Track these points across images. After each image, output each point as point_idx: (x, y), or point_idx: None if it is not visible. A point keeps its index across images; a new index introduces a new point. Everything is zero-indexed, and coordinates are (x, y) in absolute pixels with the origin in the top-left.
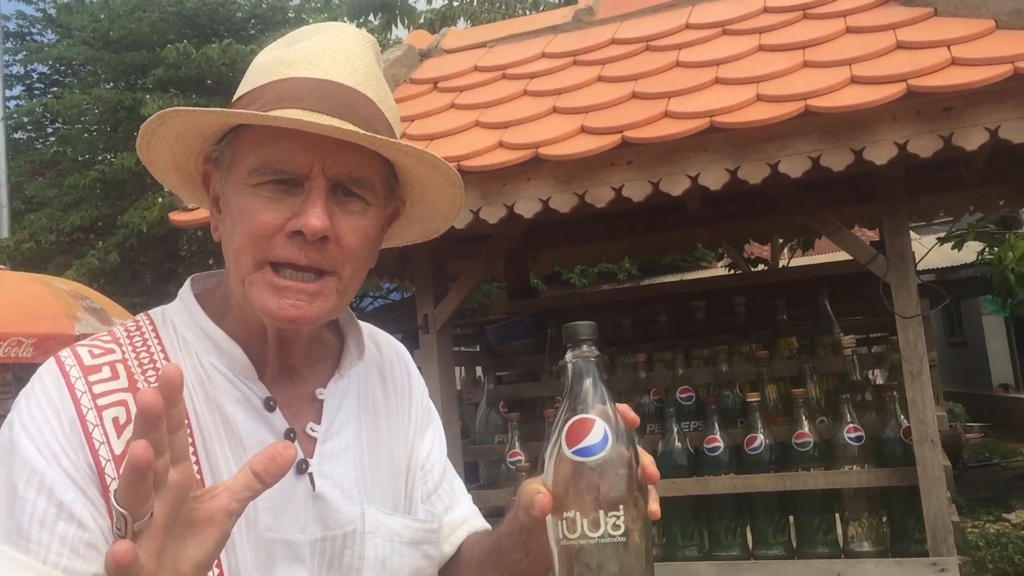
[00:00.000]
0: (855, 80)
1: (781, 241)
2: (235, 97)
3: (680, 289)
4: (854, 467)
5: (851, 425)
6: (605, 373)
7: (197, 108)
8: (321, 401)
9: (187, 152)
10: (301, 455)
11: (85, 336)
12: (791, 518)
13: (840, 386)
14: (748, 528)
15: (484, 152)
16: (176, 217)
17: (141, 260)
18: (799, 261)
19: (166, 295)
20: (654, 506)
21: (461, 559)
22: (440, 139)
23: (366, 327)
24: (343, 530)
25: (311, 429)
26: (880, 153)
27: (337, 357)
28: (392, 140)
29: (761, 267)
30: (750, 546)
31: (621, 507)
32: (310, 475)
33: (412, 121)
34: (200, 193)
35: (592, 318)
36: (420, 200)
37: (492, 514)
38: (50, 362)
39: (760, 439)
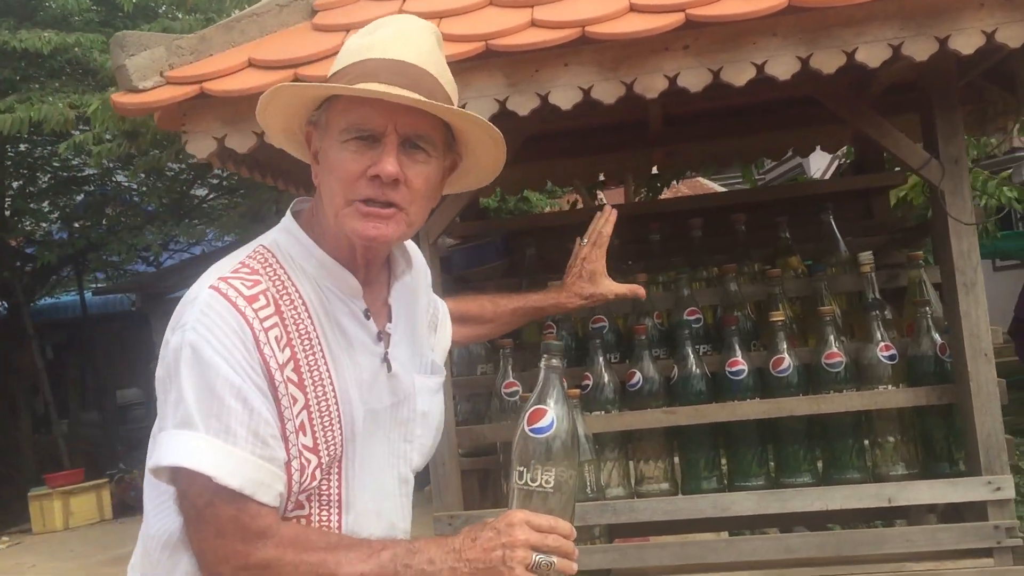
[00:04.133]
0: None
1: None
2: (329, 74)
3: (664, 208)
4: (889, 387)
5: (884, 344)
6: (564, 380)
7: (302, 83)
8: (390, 306)
9: (293, 117)
10: (384, 349)
11: None
12: (817, 443)
13: (870, 303)
14: (770, 455)
15: (513, 31)
16: (119, 99)
17: None
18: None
19: None
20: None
21: (469, 320)
22: (454, 16)
23: None
24: (404, 394)
25: (388, 328)
26: (966, 42)
27: (388, 267)
28: (448, 107)
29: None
30: (772, 474)
31: (553, 469)
32: (388, 361)
33: None
34: (303, 149)
35: (570, 238)
36: (472, 155)
37: (484, 452)
38: (213, 293)
39: (788, 361)
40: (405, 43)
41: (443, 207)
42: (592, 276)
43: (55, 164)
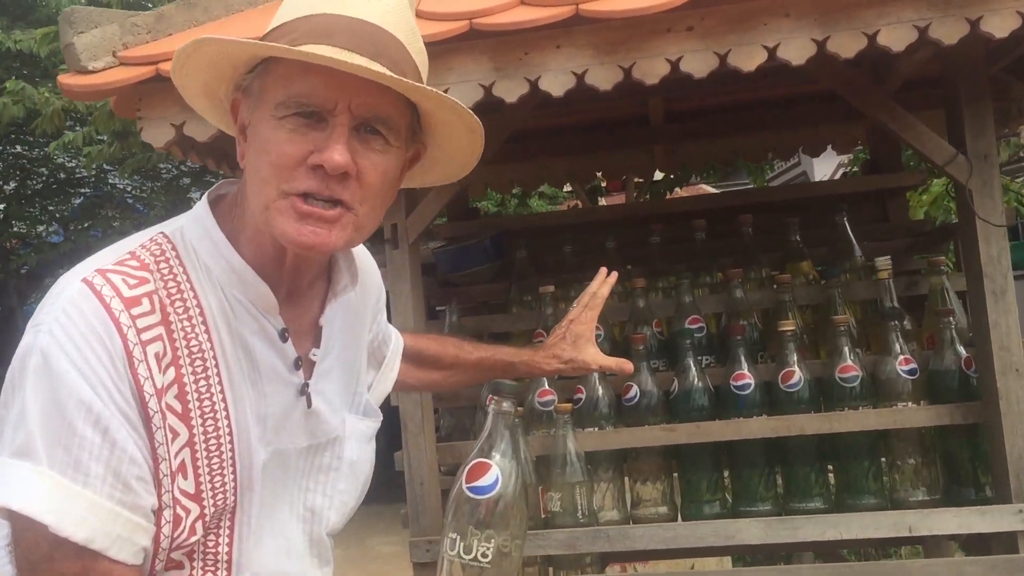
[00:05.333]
0: None
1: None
2: (268, 29)
3: (666, 208)
4: (909, 404)
5: (903, 357)
6: (519, 430)
7: (231, 38)
8: (320, 327)
9: (218, 79)
10: (303, 379)
11: None
12: (830, 464)
13: (887, 312)
14: (778, 477)
15: (500, 9)
16: (66, 81)
17: None
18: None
19: None
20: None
21: (424, 362)
22: None
23: None
24: (328, 437)
25: (312, 355)
26: (1000, 24)
27: (327, 277)
28: (417, 84)
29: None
30: (781, 497)
31: (494, 539)
32: (308, 395)
33: None
34: (228, 120)
35: (565, 240)
36: (440, 145)
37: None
38: (83, 289)
39: (798, 374)
40: None
41: (425, 202)
42: (576, 340)
43: (51, 166)
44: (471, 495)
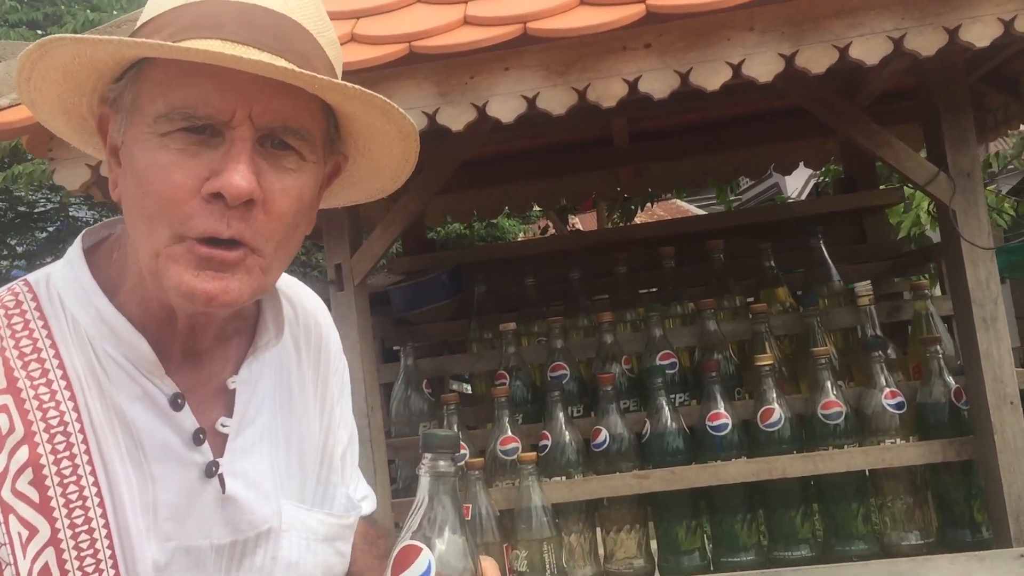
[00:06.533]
0: None
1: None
2: (138, 23)
3: (631, 235)
4: (897, 440)
5: (889, 390)
6: (459, 491)
7: (87, 36)
8: (233, 391)
9: (78, 92)
10: (210, 456)
11: None
12: (816, 507)
13: (871, 342)
14: (761, 523)
15: (443, 30)
16: None
17: None
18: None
19: None
20: None
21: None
22: (374, 16)
23: (282, 282)
24: (256, 531)
25: (222, 425)
26: (980, 33)
27: (252, 331)
28: (336, 81)
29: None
30: (764, 545)
31: None
32: (220, 476)
33: None
34: (96, 141)
35: (526, 271)
36: (365, 154)
37: None
38: None
39: (778, 412)
40: None
41: (372, 239)
42: None
43: (10, 199)
44: None
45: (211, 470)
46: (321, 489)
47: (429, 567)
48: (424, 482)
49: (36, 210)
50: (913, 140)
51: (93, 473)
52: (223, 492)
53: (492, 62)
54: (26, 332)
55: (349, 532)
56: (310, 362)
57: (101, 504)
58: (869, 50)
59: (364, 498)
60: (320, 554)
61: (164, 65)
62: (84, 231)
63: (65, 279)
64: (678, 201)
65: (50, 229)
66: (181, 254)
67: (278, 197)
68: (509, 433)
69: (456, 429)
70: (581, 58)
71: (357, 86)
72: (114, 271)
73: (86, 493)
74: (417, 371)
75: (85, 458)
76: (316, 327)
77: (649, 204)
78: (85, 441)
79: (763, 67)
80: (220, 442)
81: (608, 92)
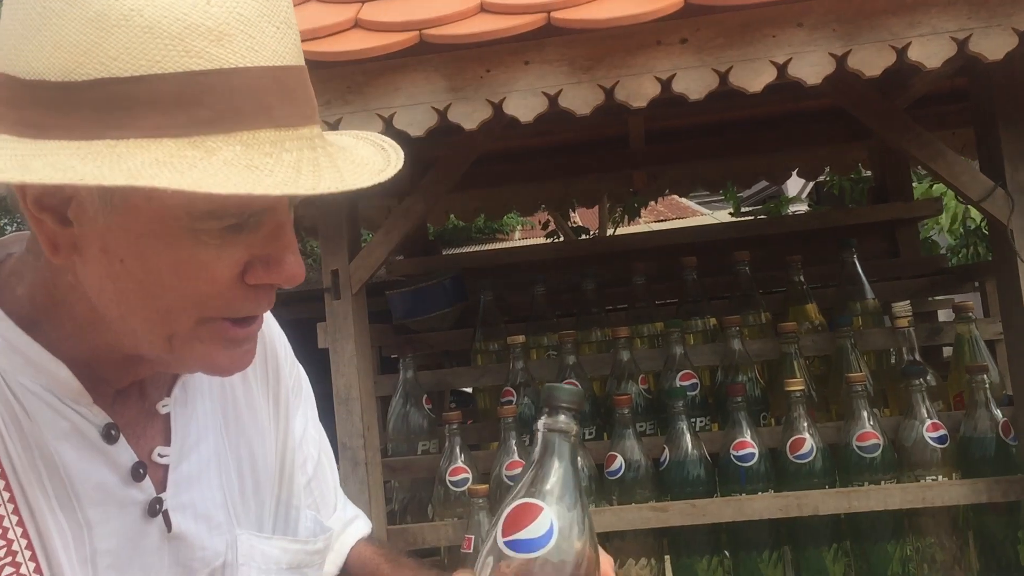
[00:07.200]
0: None
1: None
2: (118, 72)
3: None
4: (939, 477)
5: (931, 422)
6: (581, 452)
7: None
8: (166, 415)
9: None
10: (152, 492)
11: None
12: (847, 546)
13: (911, 369)
14: (788, 561)
15: (457, 18)
16: None
17: None
18: (625, 230)
19: None
20: None
21: None
22: (381, 0)
23: None
24: (209, 567)
25: (159, 455)
26: None
27: None
28: (379, 174)
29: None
30: None
31: None
32: (164, 512)
33: None
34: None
35: (536, 279)
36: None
37: (423, 555)
38: None
39: (809, 442)
40: (272, 19)
41: (372, 244)
42: None
43: None
44: (510, 552)
45: (155, 508)
46: (283, 512)
47: (551, 530)
48: (543, 439)
49: None
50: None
51: (21, 524)
52: (168, 531)
53: (511, 55)
54: None
55: (318, 559)
56: (256, 376)
57: (34, 559)
58: (930, 52)
59: (355, 518)
60: None
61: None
62: None
63: None
64: (679, 197)
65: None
66: (208, 335)
67: (301, 265)
68: (516, 457)
69: (460, 453)
70: (610, 53)
71: (388, 171)
72: (24, 308)
73: (15, 548)
74: (417, 385)
75: (10, 508)
76: (259, 340)
77: (653, 201)
78: (8, 489)
79: (811, 68)
80: (160, 474)
81: (639, 91)
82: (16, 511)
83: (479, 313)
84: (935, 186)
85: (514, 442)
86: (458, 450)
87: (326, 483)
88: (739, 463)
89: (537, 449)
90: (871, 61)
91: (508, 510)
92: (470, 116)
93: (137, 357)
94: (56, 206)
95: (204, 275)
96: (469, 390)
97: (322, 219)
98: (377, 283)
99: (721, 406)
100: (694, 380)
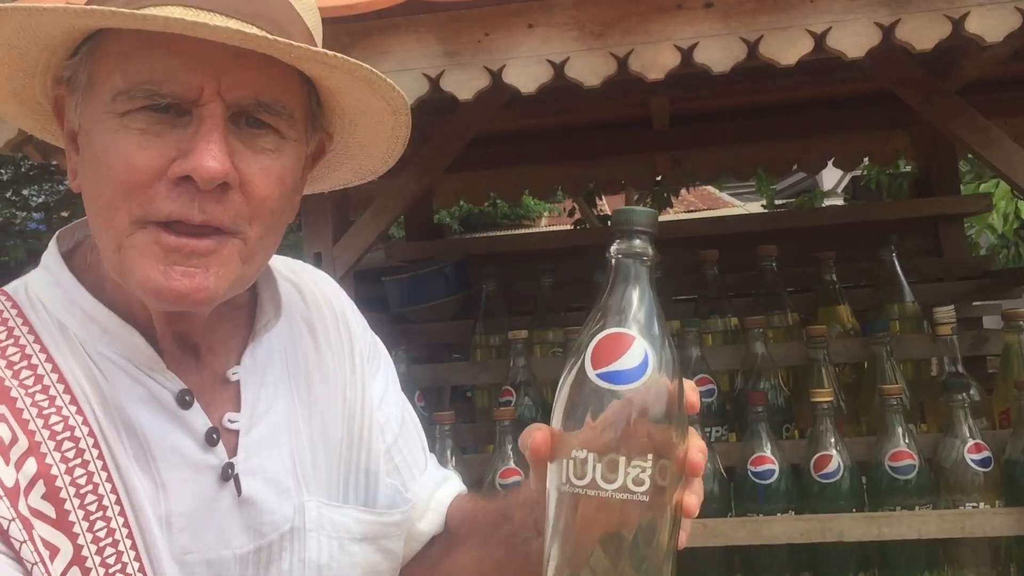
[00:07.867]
0: None
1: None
2: None
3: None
4: (980, 504)
5: (974, 442)
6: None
7: (32, 5)
8: (236, 383)
9: (27, 72)
10: (225, 457)
11: None
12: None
13: (953, 382)
14: None
15: None
16: None
17: None
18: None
19: None
20: (695, 455)
21: (453, 535)
22: None
23: (283, 266)
24: (278, 531)
25: (229, 421)
26: None
27: (250, 317)
28: (315, 49)
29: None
30: None
31: (650, 456)
32: (236, 477)
33: None
34: (53, 127)
35: (544, 269)
36: (352, 131)
37: None
38: None
39: (837, 460)
40: None
41: (359, 224)
42: None
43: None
44: (606, 385)
45: (227, 472)
46: (362, 480)
47: (646, 359)
48: (619, 267)
49: (52, 163)
50: None
51: (110, 480)
52: (239, 495)
53: (512, 16)
54: (11, 340)
55: (395, 530)
56: (330, 344)
57: (123, 514)
58: (991, 24)
59: (448, 477)
60: (358, 555)
61: (122, 36)
62: (58, 233)
63: (44, 284)
64: (711, 188)
65: (65, 183)
66: (145, 245)
67: (257, 179)
68: (512, 464)
69: (451, 456)
70: (624, 17)
71: (338, 55)
72: (91, 274)
73: (106, 503)
74: (411, 380)
75: (99, 464)
76: (329, 306)
77: (685, 190)
78: (97, 446)
79: (853, 39)
80: (232, 440)
81: (656, 61)
82: (105, 467)
83: (482, 304)
84: (982, 186)
85: (510, 448)
86: (449, 454)
87: (413, 443)
88: (757, 480)
89: (612, 278)
90: (922, 33)
91: (593, 343)
92: (466, 84)
93: (157, 317)
94: (72, 133)
95: (125, 161)
96: None
97: (306, 199)
98: (374, 268)
99: (740, 415)
100: (711, 385)
